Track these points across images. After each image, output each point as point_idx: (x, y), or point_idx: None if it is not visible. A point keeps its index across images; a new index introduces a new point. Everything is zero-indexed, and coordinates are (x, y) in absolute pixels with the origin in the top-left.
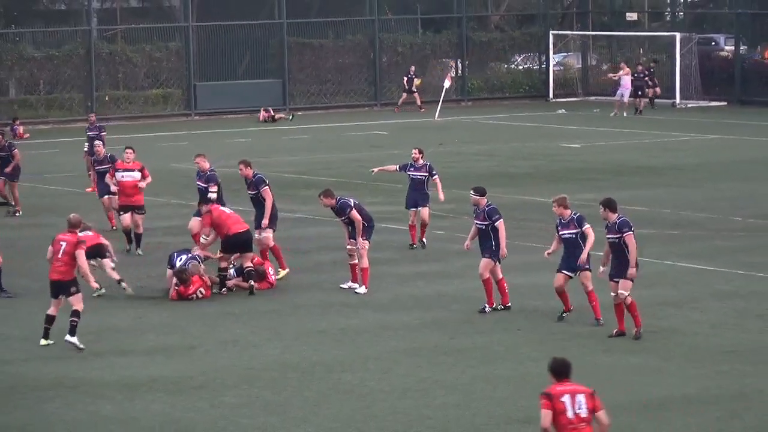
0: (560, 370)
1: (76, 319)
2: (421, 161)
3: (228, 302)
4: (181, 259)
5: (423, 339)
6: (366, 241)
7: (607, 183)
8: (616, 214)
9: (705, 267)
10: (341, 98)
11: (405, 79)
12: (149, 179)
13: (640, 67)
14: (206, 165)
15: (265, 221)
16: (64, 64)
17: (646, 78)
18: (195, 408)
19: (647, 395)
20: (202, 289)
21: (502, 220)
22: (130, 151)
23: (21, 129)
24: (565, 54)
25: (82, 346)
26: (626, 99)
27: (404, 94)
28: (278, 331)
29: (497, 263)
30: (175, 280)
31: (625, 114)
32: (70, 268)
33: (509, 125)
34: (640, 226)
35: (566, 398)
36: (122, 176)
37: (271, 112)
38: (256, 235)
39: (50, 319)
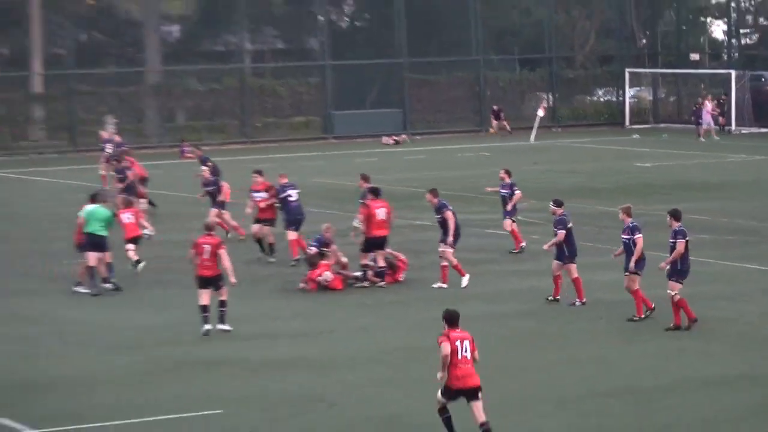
0: (452, 319)
1: (224, 309)
2: (507, 180)
3: (362, 294)
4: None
5: (518, 326)
6: (449, 247)
7: (673, 196)
8: (678, 223)
9: (756, 267)
10: (452, 125)
11: (492, 112)
12: (272, 199)
13: (703, 100)
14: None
15: (449, 239)
16: (222, 95)
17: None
18: (333, 383)
19: (703, 373)
20: (328, 273)
21: (563, 230)
22: (256, 175)
23: (187, 149)
24: (639, 88)
25: (229, 328)
26: (711, 126)
27: (494, 122)
28: (401, 319)
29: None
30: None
31: (716, 137)
32: (214, 265)
33: (592, 147)
34: (701, 232)
35: (458, 342)
36: (254, 196)
37: (403, 137)
38: (439, 248)
39: (204, 308)
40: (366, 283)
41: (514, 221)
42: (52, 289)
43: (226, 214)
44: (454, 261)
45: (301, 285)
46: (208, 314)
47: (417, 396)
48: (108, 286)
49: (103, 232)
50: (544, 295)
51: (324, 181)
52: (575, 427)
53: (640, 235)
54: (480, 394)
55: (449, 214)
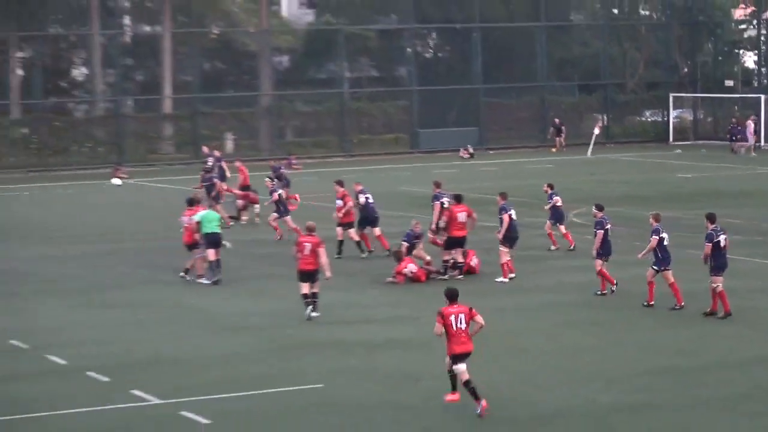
0: (451, 296)
1: (316, 299)
2: (549, 191)
3: (442, 286)
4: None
5: (574, 314)
6: (505, 247)
7: (710, 203)
8: (713, 225)
9: None
10: (520, 141)
11: (553, 125)
12: (347, 205)
13: (746, 121)
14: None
15: (500, 236)
16: (324, 116)
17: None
18: (420, 361)
19: (739, 355)
20: (412, 266)
21: (601, 231)
22: (336, 185)
23: (295, 162)
24: (681, 110)
25: (318, 314)
26: (751, 143)
27: (556, 138)
28: (479, 306)
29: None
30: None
31: (753, 153)
32: (314, 261)
33: (640, 161)
34: (735, 233)
35: (452, 317)
36: (337, 203)
37: (470, 149)
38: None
39: (306, 296)
40: (446, 276)
41: (554, 224)
42: (176, 280)
43: (289, 219)
44: (503, 259)
45: (389, 279)
46: (309, 300)
47: (491, 372)
48: (203, 280)
49: (218, 230)
50: (596, 289)
51: (410, 189)
52: (623, 402)
53: (656, 237)
54: (466, 359)
55: (506, 217)
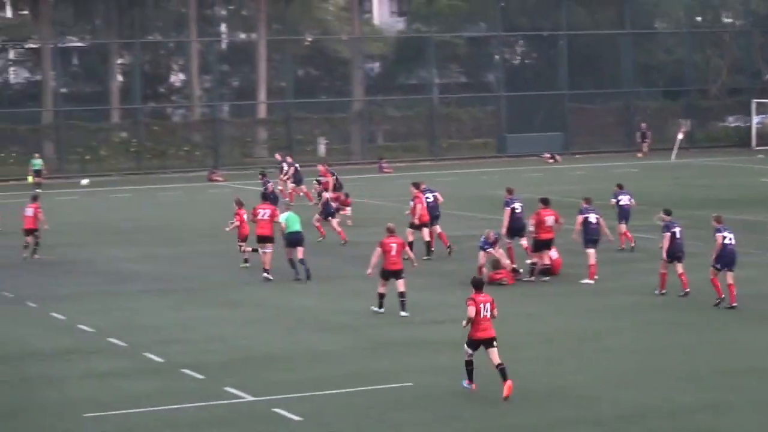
0: (478, 285)
1: (404, 299)
2: (617, 191)
3: (528, 287)
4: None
5: (658, 315)
6: (590, 248)
7: None
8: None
9: None
10: (605, 146)
11: (639, 133)
12: (416, 208)
13: None
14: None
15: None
16: (414, 120)
17: None
18: (505, 360)
19: None
20: (506, 279)
21: (667, 233)
22: (412, 188)
23: (386, 166)
24: (764, 116)
25: (405, 313)
26: None
27: (642, 143)
28: (562, 308)
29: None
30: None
31: None
32: (400, 261)
33: (723, 166)
34: None
35: (481, 304)
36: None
37: (553, 155)
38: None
39: (382, 295)
40: (532, 278)
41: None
42: (271, 279)
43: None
44: (591, 261)
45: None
46: (405, 300)
47: (578, 371)
48: (268, 276)
49: (300, 230)
50: (679, 290)
51: (498, 192)
52: (706, 401)
53: (720, 235)
54: (495, 343)
55: (507, 210)
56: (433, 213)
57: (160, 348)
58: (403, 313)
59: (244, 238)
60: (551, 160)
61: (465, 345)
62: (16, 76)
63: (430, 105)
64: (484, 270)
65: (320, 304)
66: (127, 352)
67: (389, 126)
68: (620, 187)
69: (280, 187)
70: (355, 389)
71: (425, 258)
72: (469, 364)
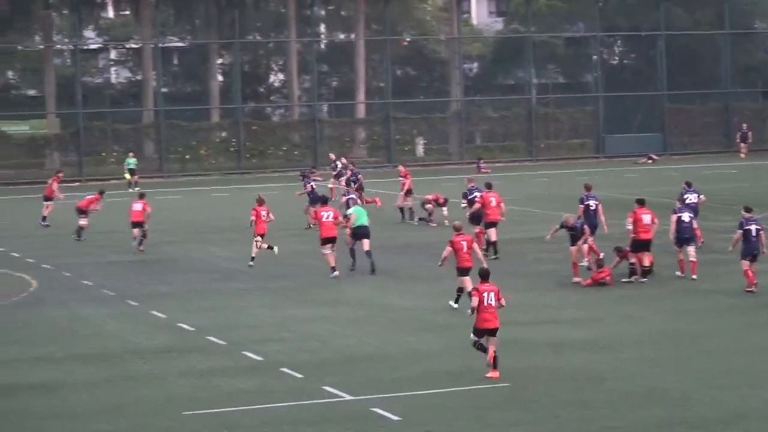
0: (484, 275)
1: (461, 293)
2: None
3: (626, 288)
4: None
5: (761, 315)
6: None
7: None
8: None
9: None
10: (704, 147)
11: (740, 134)
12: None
13: None
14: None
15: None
16: (512, 121)
17: None
18: (605, 362)
19: None
20: (608, 278)
21: (739, 231)
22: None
23: (483, 166)
24: None
25: (455, 306)
26: None
27: (742, 144)
28: (660, 308)
29: None
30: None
31: None
32: (471, 258)
33: None
34: None
35: (485, 293)
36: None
37: (651, 156)
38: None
39: (461, 290)
40: (632, 279)
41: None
42: (373, 279)
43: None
44: (688, 257)
45: (575, 279)
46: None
47: (677, 372)
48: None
49: (367, 224)
50: (750, 288)
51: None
52: None
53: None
54: (496, 333)
55: (673, 218)
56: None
57: (259, 347)
58: (453, 304)
59: (260, 235)
60: (649, 161)
61: (471, 333)
62: (117, 75)
63: (528, 105)
64: (579, 267)
65: (418, 303)
66: (225, 351)
67: (487, 126)
68: (689, 184)
69: (330, 185)
70: (452, 389)
71: (493, 258)
72: (476, 344)
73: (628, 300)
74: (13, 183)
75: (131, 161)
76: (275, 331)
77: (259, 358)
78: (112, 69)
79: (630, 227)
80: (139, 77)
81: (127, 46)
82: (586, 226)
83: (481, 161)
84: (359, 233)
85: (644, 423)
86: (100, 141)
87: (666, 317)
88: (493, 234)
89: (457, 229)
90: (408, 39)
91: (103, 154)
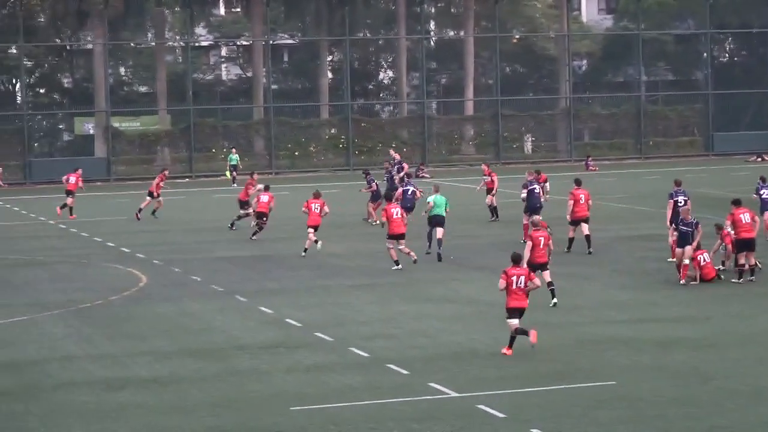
0: (516, 259)
1: (553, 287)
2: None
3: (733, 286)
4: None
5: None
6: None
7: None
8: None
9: None
10: None
11: None
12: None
13: None
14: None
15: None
16: (621, 118)
17: None
18: (710, 360)
19: None
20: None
21: None
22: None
23: (592, 163)
24: None
25: (557, 301)
26: None
27: None
28: (766, 308)
29: None
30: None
31: None
32: (545, 254)
33: None
34: None
35: (514, 277)
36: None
37: (763, 155)
38: None
39: (549, 284)
40: (740, 280)
41: None
42: (477, 276)
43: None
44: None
45: (683, 281)
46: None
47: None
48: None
49: (444, 214)
50: None
51: (708, 191)
52: None
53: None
54: (524, 313)
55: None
56: (535, 204)
57: (365, 343)
58: (554, 300)
59: (312, 227)
60: (759, 160)
61: (507, 318)
62: (227, 72)
63: (637, 103)
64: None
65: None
66: (332, 347)
67: (595, 123)
68: (763, 180)
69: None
70: (558, 387)
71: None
72: (515, 330)
73: (735, 299)
74: (126, 179)
75: (234, 157)
76: (382, 328)
77: (366, 355)
78: (223, 66)
79: (730, 230)
80: (249, 74)
81: (238, 43)
82: (698, 224)
83: (590, 159)
84: (434, 221)
85: (750, 422)
86: (210, 137)
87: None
88: (585, 229)
89: (535, 225)
90: (517, 36)
91: (213, 150)
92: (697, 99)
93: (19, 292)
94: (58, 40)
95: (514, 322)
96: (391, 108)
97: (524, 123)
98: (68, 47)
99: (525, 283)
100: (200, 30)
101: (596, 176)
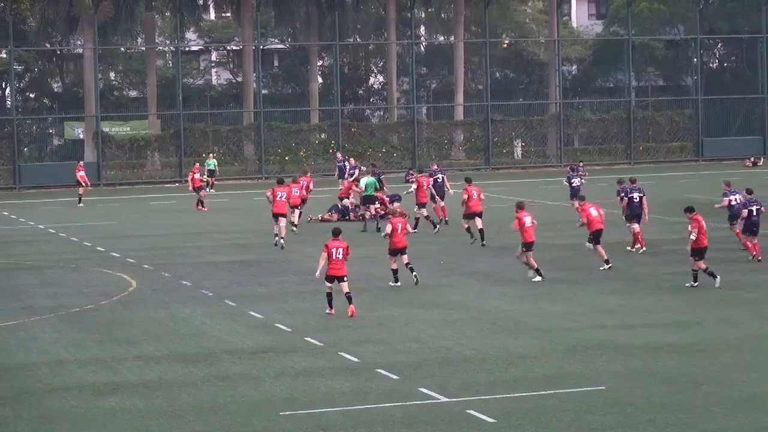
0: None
1: (412, 266)
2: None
3: (724, 292)
4: None
5: None
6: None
7: None
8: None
9: None
10: None
11: None
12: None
13: None
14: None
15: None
16: (611, 124)
17: None
18: (701, 366)
19: None
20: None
21: None
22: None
23: (582, 169)
24: None
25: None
26: None
27: None
28: (761, 312)
29: None
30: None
31: None
32: (403, 238)
33: None
34: None
35: (334, 249)
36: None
37: (753, 159)
38: None
39: (408, 264)
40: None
41: None
42: (465, 281)
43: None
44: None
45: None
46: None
47: None
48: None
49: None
50: None
51: (697, 196)
52: None
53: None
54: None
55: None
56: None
57: (355, 348)
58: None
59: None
60: (750, 164)
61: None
62: (217, 77)
63: (627, 108)
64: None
65: (516, 306)
66: (322, 352)
67: (585, 129)
68: (728, 185)
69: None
70: (548, 392)
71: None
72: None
73: (725, 304)
74: (115, 183)
75: (211, 162)
76: (372, 333)
77: (356, 360)
78: (213, 71)
79: (693, 237)
80: (239, 79)
81: (228, 48)
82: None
83: (581, 164)
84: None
85: (742, 428)
86: (200, 142)
87: (764, 321)
88: (478, 223)
89: (393, 213)
90: (507, 41)
91: (203, 155)
92: (687, 104)
93: (9, 297)
94: (48, 45)
95: (329, 284)
96: (381, 113)
97: (514, 128)
98: (58, 52)
99: (343, 254)
100: (190, 35)
101: (586, 182)
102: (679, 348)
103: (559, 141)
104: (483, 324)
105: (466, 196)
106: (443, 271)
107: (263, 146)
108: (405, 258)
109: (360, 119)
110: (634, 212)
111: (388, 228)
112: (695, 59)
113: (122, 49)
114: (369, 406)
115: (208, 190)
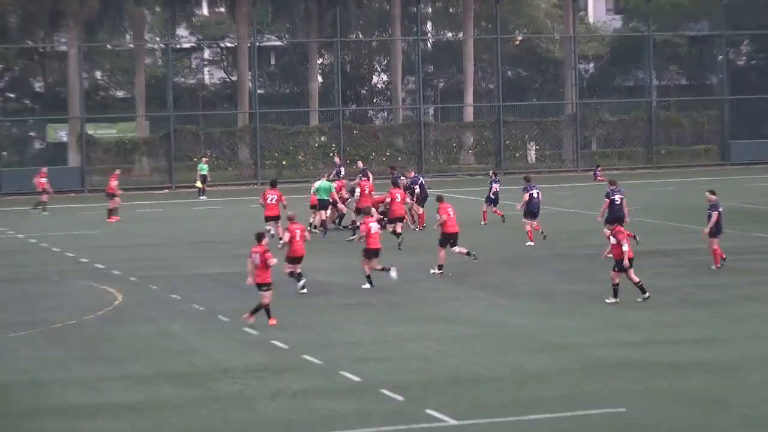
0: (259, 237)
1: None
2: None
3: (753, 306)
4: None
5: None
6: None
7: None
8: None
9: None
10: None
11: None
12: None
13: None
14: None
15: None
16: (631, 125)
17: None
18: (729, 385)
19: None
20: None
21: None
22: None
23: (600, 174)
24: None
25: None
26: None
27: None
28: None
29: None
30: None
31: None
32: (302, 247)
33: None
34: None
35: (254, 254)
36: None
37: None
38: None
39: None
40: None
41: None
42: (480, 296)
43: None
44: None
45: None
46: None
47: None
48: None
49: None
50: None
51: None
52: None
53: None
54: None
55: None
56: (534, 210)
57: (357, 366)
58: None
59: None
60: None
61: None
62: (211, 76)
63: (648, 109)
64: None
65: (530, 321)
66: (321, 371)
67: (604, 131)
68: (713, 192)
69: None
70: (565, 414)
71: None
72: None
73: (755, 319)
74: (101, 190)
75: (204, 166)
76: (376, 350)
77: (358, 379)
78: (206, 69)
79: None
80: (233, 78)
81: (222, 45)
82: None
83: (599, 168)
84: (321, 204)
85: None
86: (192, 146)
87: None
88: (398, 227)
89: (291, 219)
90: (520, 38)
91: (195, 159)
92: (712, 105)
93: None
94: (30, 42)
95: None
96: (386, 114)
97: (527, 130)
98: (41, 49)
99: (261, 260)
100: (182, 31)
101: (605, 187)
102: (706, 366)
103: (575, 144)
104: (494, 340)
105: (444, 218)
106: (451, 283)
107: (259, 150)
108: (298, 267)
109: (362, 121)
110: (614, 215)
111: (287, 236)
112: (720, 56)
113: (109, 46)
114: (371, 429)
115: (202, 197)
